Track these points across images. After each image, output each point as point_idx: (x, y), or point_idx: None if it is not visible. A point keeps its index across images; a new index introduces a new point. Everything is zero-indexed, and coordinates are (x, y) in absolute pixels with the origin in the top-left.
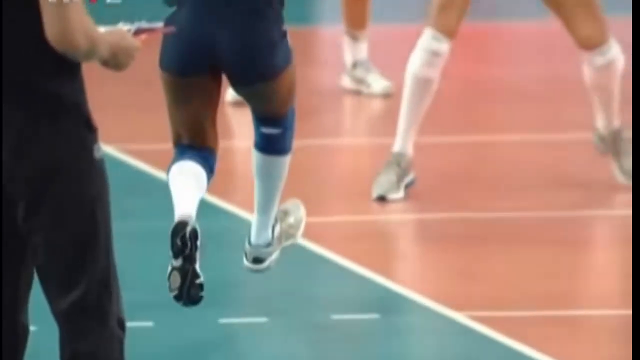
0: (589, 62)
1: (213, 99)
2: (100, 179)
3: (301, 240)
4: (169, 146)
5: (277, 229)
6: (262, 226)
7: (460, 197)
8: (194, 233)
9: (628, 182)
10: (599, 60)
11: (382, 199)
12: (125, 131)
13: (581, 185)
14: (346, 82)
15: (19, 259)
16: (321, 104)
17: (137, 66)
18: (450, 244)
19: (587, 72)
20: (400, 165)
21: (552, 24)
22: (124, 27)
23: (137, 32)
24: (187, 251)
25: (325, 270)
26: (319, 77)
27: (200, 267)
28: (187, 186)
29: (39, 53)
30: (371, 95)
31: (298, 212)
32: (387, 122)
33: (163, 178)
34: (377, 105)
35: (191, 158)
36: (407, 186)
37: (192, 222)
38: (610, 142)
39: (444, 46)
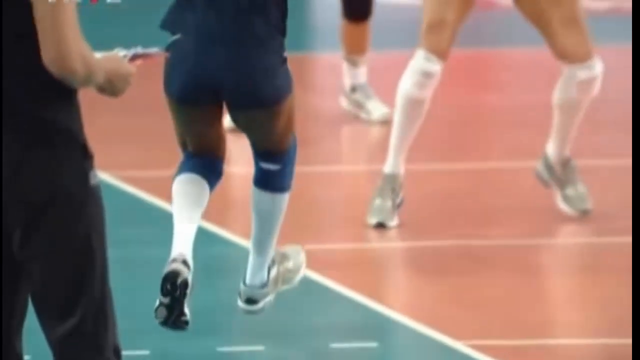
0: (571, 75)
1: (216, 119)
2: (96, 205)
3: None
4: (166, 173)
5: (274, 271)
6: (258, 266)
7: (455, 225)
8: (185, 283)
9: (571, 212)
10: (584, 73)
11: (380, 225)
12: (122, 158)
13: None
14: (344, 103)
15: (13, 286)
16: (319, 130)
17: (135, 93)
18: (447, 272)
19: (563, 87)
20: (394, 188)
21: (536, 53)
22: (119, 52)
23: (133, 58)
24: (176, 295)
25: (324, 298)
26: (316, 103)
27: (198, 294)
28: (186, 218)
29: (36, 79)
30: (370, 122)
31: (298, 257)
32: (386, 149)
33: (160, 205)
34: (375, 132)
35: (195, 168)
36: (397, 206)
37: (184, 273)
38: (558, 171)
39: (436, 67)
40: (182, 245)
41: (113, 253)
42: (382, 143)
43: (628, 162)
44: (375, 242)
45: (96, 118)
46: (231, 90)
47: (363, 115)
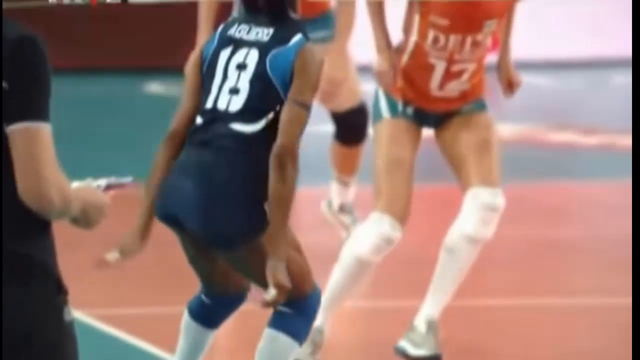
0: (473, 195)
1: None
2: (70, 343)
3: None
4: (143, 311)
5: None
6: None
7: None
8: None
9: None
10: (487, 196)
11: None
12: (98, 295)
13: (559, 355)
14: (324, 208)
15: None
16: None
17: (109, 227)
18: None
19: (461, 218)
20: (315, 342)
21: (525, 188)
22: (93, 182)
23: (107, 188)
24: None
25: None
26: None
27: None
28: None
29: (10, 211)
30: None
31: None
32: (377, 284)
33: (137, 345)
34: None
35: (200, 313)
36: None
37: None
38: (422, 332)
39: (399, 234)
40: None
41: None
42: (373, 278)
43: (628, 301)
44: None
45: (70, 253)
46: (188, 223)
47: (344, 237)
